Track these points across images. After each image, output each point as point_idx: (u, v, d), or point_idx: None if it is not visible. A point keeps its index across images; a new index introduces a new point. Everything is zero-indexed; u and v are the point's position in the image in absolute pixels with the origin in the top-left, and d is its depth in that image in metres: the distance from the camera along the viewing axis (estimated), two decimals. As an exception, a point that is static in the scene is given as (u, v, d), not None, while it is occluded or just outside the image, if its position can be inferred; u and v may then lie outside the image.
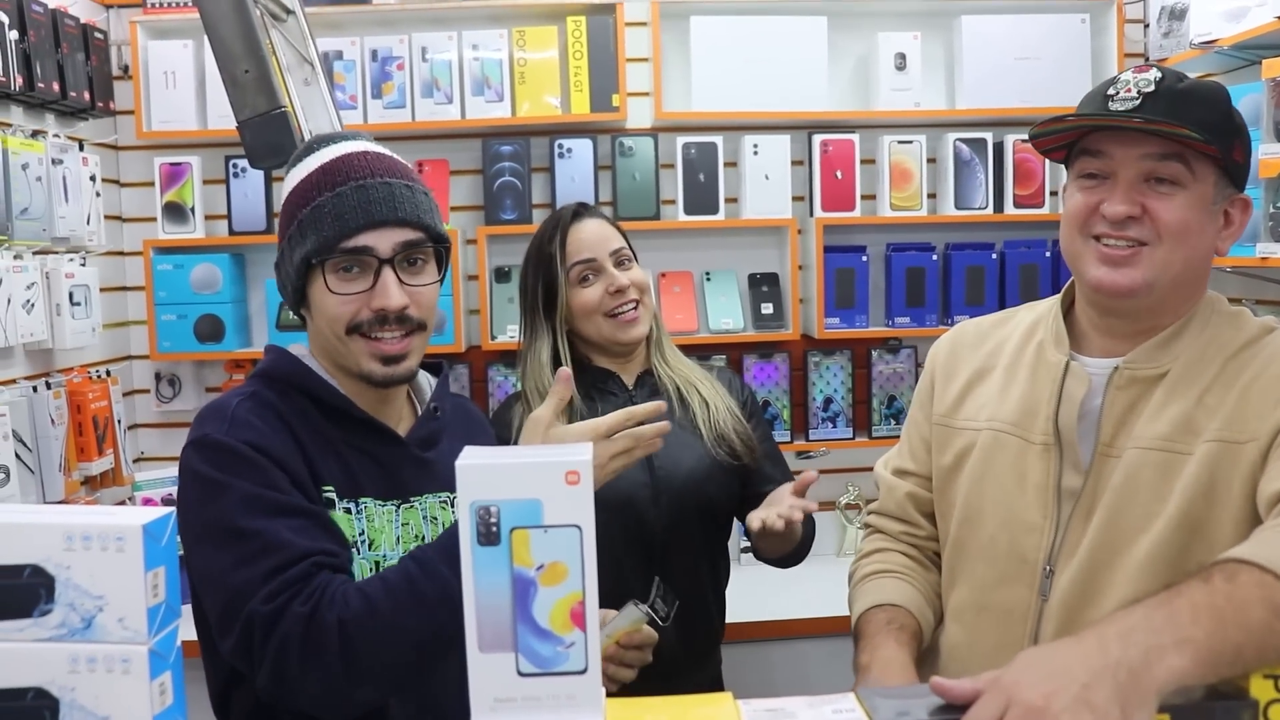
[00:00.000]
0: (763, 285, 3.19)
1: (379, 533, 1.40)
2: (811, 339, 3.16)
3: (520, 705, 0.90)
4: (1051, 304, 1.49)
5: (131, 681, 0.88)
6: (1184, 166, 1.30)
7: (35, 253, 2.59)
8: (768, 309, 3.16)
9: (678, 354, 2.11)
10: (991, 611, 1.41)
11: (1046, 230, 3.20)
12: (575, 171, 3.07)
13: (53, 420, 2.59)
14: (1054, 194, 3.22)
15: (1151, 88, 1.30)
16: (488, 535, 0.88)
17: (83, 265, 2.76)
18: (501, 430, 2.02)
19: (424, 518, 1.45)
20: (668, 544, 1.95)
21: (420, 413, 1.53)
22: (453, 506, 1.44)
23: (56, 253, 2.71)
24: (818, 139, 3.10)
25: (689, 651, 1.96)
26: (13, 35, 2.46)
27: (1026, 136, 1.45)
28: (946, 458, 1.49)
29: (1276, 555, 1.01)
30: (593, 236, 2.01)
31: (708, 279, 3.20)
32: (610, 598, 1.90)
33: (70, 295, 2.67)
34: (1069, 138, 1.40)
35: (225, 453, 1.32)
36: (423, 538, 1.43)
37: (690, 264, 3.21)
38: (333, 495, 1.38)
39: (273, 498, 1.30)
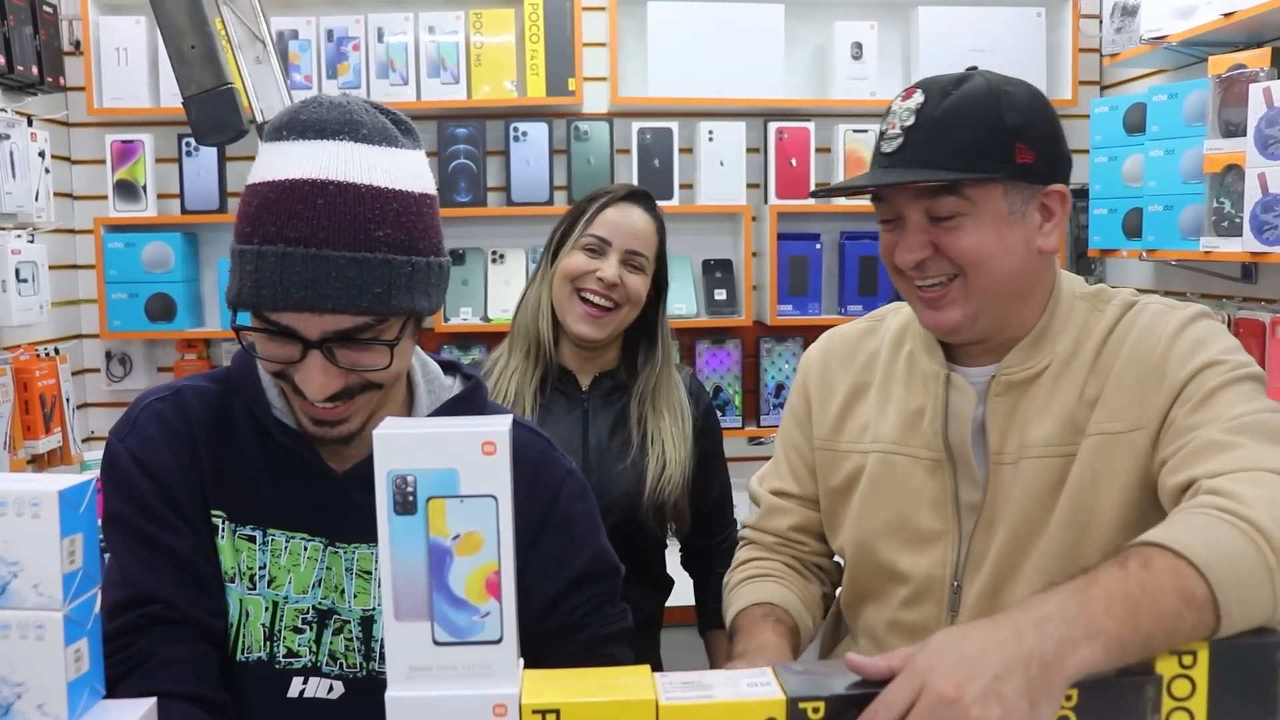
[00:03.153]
0: (716, 271, 3.21)
1: (285, 570, 1.23)
2: (764, 325, 3.18)
3: (436, 674, 0.90)
4: None
5: (46, 648, 0.88)
6: (959, 198, 1.25)
7: (-20, 228, 2.56)
8: (721, 295, 3.18)
9: (671, 395, 1.96)
10: (902, 628, 1.39)
11: (998, 221, 3.24)
12: (530, 155, 3.07)
13: (-3, 397, 2.57)
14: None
15: (912, 119, 1.25)
16: (404, 504, 0.89)
17: (30, 242, 2.73)
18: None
19: (348, 569, 1.24)
20: None
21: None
22: None
23: (3, 229, 2.68)
24: (773, 126, 3.12)
25: None
26: (-43, 7, 2.43)
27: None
28: (835, 481, 1.45)
29: (1191, 541, 1.01)
30: (623, 222, 1.93)
31: (663, 265, 3.21)
32: None
33: (16, 272, 2.64)
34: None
35: (109, 459, 1.24)
36: (342, 591, 1.24)
37: (645, 249, 3.22)
38: (220, 521, 1.23)
39: (132, 520, 1.20)
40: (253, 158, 3.14)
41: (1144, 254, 2.74)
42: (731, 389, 3.20)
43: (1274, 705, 0.97)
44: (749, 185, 3.15)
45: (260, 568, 1.24)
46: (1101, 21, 3.20)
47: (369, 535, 1.16)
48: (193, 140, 3.00)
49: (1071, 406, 1.29)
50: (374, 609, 1.24)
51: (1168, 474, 1.19)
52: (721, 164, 3.10)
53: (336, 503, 1.23)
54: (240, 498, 1.24)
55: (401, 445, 0.89)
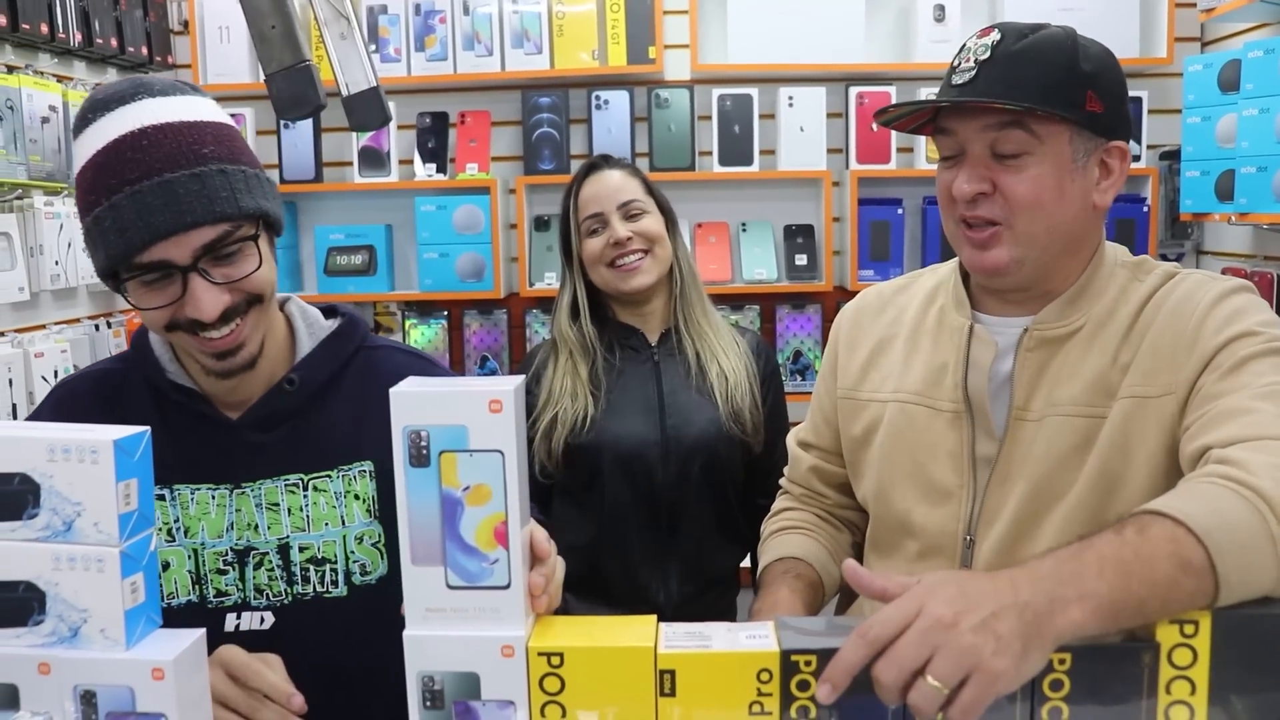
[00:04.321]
0: (797, 237, 3.21)
1: (196, 520, 1.33)
2: (845, 290, 3.18)
3: (449, 616, 0.97)
4: (952, 267, 1.44)
5: (105, 580, 0.98)
6: (1027, 134, 1.24)
7: (95, 199, 2.74)
8: (802, 260, 3.18)
9: (709, 314, 2.07)
10: None
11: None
12: (612, 123, 3.12)
13: (112, 357, 2.75)
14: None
15: (987, 54, 1.25)
16: (418, 457, 0.96)
17: (142, 211, 2.90)
18: (524, 369, 2.11)
19: (257, 505, 1.34)
20: (675, 504, 1.98)
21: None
22: (304, 489, 1.35)
23: (117, 199, 2.85)
24: (854, 91, 3.10)
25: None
26: (71, -9, 2.60)
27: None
28: (855, 430, 1.47)
29: (1191, 508, 1.00)
30: (602, 190, 2.03)
31: (743, 230, 3.23)
32: (618, 558, 1.95)
33: (129, 240, 2.81)
34: (924, 116, 1.34)
35: None
36: (256, 526, 1.34)
37: (726, 215, 3.25)
38: None
39: None
40: (345, 129, 3.22)
41: (1233, 217, 2.64)
42: (811, 354, 3.21)
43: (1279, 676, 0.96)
44: (830, 150, 3.14)
45: (174, 521, 1.34)
46: (1202, -26, 3.08)
47: (270, 470, 1.34)
48: (290, 113, 3.14)
49: (1104, 369, 1.28)
50: (288, 536, 1.35)
51: (1186, 440, 1.18)
52: (802, 129, 3.10)
53: (236, 447, 1.34)
54: None
55: (416, 402, 0.96)
